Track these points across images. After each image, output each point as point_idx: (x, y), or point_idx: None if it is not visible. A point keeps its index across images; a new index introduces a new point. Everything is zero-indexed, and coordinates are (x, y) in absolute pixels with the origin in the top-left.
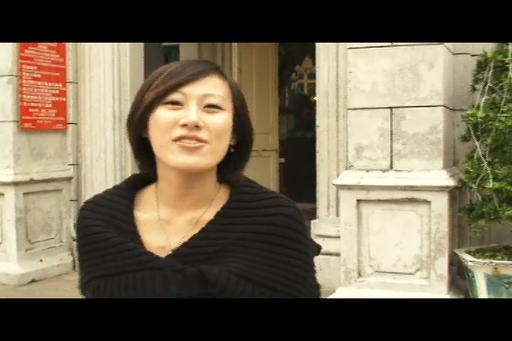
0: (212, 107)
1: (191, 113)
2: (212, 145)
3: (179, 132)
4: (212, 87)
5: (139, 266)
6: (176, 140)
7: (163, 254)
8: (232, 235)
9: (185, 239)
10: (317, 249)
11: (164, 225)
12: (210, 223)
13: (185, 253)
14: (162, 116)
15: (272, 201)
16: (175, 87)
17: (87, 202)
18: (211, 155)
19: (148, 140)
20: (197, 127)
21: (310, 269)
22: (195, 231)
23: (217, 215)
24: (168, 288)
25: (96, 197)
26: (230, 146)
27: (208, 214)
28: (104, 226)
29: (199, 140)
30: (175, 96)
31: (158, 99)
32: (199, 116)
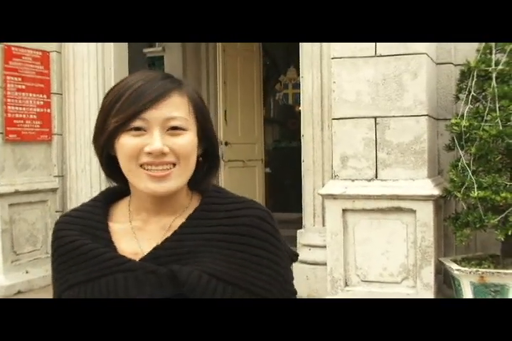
0: (175, 129)
1: (155, 140)
2: (181, 168)
3: (145, 159)
4: (173, 109)
5: (111, 270)
6: (142, 165)
7: (136, 259)
8: (203, 236)
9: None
10: (294, 256)
11: (137, 232)
12: (182, 226)
13: (156, 255)
14: (126, 143)
15: (242, 204)
16: (135, 114)
17: (62, 216)
18: (181, 177)
19: (116, 157)
20: (162, 153)
21: (284, 273)
22: (168, 235)
23: (188, 218)
24: (142, 289)
25: (71, 210)
26: (198, 156)
27: (180, 219)
28: (79, 235)
29: (167, 164)
30: (136, 123)
31: (120, 127)
32: (163, 141)
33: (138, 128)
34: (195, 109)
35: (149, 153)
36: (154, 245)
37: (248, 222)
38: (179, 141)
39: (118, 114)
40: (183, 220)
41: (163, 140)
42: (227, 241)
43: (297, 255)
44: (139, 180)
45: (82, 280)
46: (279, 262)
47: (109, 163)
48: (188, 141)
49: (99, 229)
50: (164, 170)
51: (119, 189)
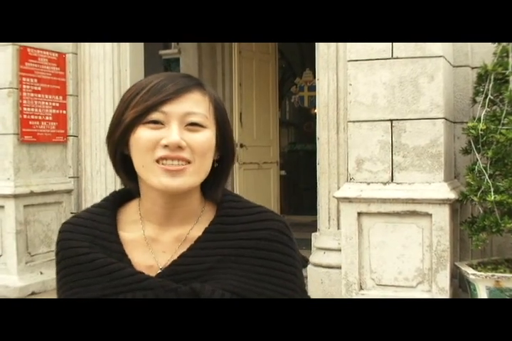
0: (194, 125)
1: (173, 133)
2: (196, 165)
3: (161, 152)
4: (194, 105)
5: (130, 287)
6: (158, 160)
7: (151, 273)
8: (222, 251)
9: (174, 257)
10: (305, 262)
11: (151, 243)
12: (198, 240)
13: (175, 271)
14: (143, 136)
15: (259, 215)
16: (155, 106)
17: (67, 223)
18: (195, 175)
19: (129, 157)
20: (179, 147)
21: (300, 282)
22: (184, 248)
23: (205, 232)
24: None
25: (75, 217)
26: (213, 161)
27: (196, 230)
28: (89, 247)
29: (182, 160)
30: (155, 116)
31: (138, 119)
32: (181, 136)
33: (156, 122)
34: (215, 109)
35: (166, 146)
36: (169, 257)
37: (267, 235)
38: (197, 137)
39: (136, 106)
40: (199, 233)
41: (181, 134)
42: (247, 256)
43: (307, 260)
44: (153, 175)
45: (95, 296)
46: (297, 273)
47: (122, 163)
48: (206, 137)
49: (110, 240)
50: (179, 165)
51: (125, 191)
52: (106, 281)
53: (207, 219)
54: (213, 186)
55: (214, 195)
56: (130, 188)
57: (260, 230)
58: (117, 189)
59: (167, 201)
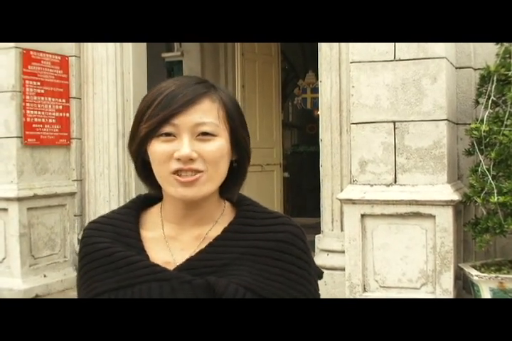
0: (205, 135)
1: (184, 146)
2: (209, 174)
3: (175, 165)
4: (203, 115)
5: (145, 278)
6: (173, 172)
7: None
8: (239, 250)
9: (192, 254)
10: (320, 274)
11: (169, 241)
12: (217, 238)
13: (191, 266)
14: (157, 149)
15: (277, 220)
16: (165, 120)
17: (92, 222)
18: (209, 183)
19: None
20: (191, 159)
21: (313, 288)
22: (202, 246)
23: (224, 231)
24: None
25: (102, 217)
26: (232, 162)
27: (214, 231)
28: (110, 242)
29: (194, 171)
30: (167, 129)
31: (151, 132)
32: (192, 147)
33: (168, 134)
34: (226, 114)
35: (178, 159)
36: (187, 256)
37: (283, 238)
38: (208, 147)
39: (149, 120)
40: (218, 232)
41: (192, 146)
42: (262, 256)
43: (322, 273)
44: (170, 185)
45: (112, 288)
46: (311, 280)
47: (144, 168)
48: (217, 147)
49: (131, 237)
50: (192, 176)
51: (149, 196)
52: (123, 273)
53: (226, 221)
54: (229, 185)
55: (229, 194)
56: (153, 192)
57: (278, 232)
58: (121, 191)
59: (186, 203)
